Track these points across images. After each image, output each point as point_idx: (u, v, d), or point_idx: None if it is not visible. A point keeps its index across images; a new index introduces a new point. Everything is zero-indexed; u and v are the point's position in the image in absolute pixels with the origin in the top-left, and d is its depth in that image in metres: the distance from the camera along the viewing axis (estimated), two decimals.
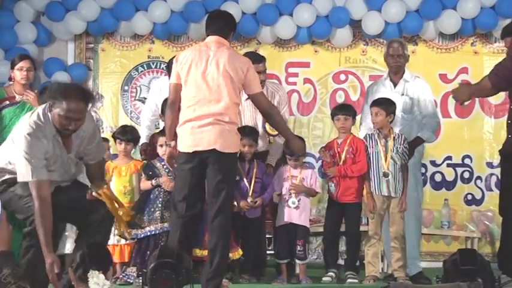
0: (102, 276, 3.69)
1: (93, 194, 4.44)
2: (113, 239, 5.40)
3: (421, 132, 5.80)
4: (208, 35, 4.88)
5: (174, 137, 4.81)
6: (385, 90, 5.90)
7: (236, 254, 5.35)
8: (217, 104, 4.66)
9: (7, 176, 4.34)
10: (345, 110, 5.75)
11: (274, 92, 5.83)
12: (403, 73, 5.90)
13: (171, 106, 4.82)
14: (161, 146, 5.44)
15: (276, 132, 5.71)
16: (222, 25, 4.86)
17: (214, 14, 5.08)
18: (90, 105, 4.37)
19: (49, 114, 4.27)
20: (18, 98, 5.83)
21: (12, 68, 5.87)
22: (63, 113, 4.20)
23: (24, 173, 4.17)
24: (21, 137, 4.19)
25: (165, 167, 5.46)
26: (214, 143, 4.62)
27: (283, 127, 4.96)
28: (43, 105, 4.36)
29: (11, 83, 5.93)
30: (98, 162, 4.64)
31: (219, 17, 4.97)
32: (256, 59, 5.64)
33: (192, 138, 4.67)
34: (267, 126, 5.68)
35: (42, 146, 4.21)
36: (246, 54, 5.79)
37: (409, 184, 5.71)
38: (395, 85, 5.89)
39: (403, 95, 5.83)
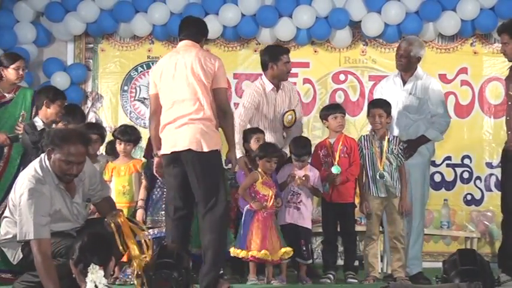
0: (101, 273, 3.67)
1: (112, 225, 4.34)
2: None
3: (428, 131, 5.75)
4: (180, 40, 4.99)
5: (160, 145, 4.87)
6: (395, 87, 5.86)
7: (285, 253, 5.34)
8: (190, 103, 4.73)
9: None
10: (340, 109, 5.77)
11: (291, 89, 6.01)
12: (414, 71, 5.83)
13: (152, 116, 4.94)
14: None
15: (290, 125, 5.82)
16: (194, 30, 4.98)
17: (186, 19, 5.15)
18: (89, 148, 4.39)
19: (47, 163, 4.25)
20: (8, 96, 5.76)
21: (5, 66, 5.72)
22: (64, 158, 4.19)
23: (25, 231, 4.09)
24: (22, 194, 4.12)
25: None
26: (189, 143, 4.69)
27: (230, 132, 4.88)
28: (38, 158, 4.33)
29: None
30: (105, 199, 4.65)
31: (192, 23, 5.06)
32: (284, 50, 5.92)
33: (170, 139, 4.76)
34: (284, 119, 5.82)
35: (45, 200, 4.16)
36: (271, 47, 6.05)
37: (417, 183, 5.73)
38: (404, 83, 5.85)
39: (411, 94, 5.79)
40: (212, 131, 4.75)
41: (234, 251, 5.25)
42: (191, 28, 4.99)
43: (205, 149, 4.69)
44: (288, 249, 5.31)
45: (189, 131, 4.70)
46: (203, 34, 5.04)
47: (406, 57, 5.79)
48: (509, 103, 5.44)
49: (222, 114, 4.79)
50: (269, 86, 5.80)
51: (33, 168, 4.25)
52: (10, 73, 5.72)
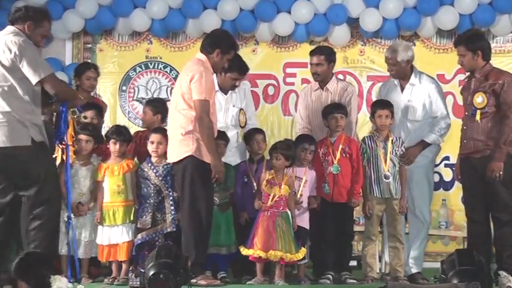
0: (64, 280, 3.75)
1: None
2: (107, 239, 5.42)
3: (427, 135, 5.72)
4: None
5: None
6: (395, 93, 5.82)
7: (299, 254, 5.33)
8: (172, 115, 5.23)
9: None
10: (340, 109, 5.68)
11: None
12: (410, 76, 5.78)
13: None
14: (152, 142, 5.47)
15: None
16: (205, 42, 5.32)
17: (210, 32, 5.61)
18: None
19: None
20: None
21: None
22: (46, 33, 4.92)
23: (41, 70, 4.62)
24: (21, 44, 4.65)
25: (154, 170, 5.45)
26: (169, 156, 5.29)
27: (206, 140, 5.08)
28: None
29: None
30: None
31: (209, 34, 5.48)
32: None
33: None
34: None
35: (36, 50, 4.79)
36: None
37: (419, 184, 5.72)
38: (402, 89, 5.81)
39: (409, 100, 5.74)
40: (177, 140, 5.12)
41: (242, 249, 5.30)
42: (204, 40, 5.36)
43: (173, 160, 5.20)
44: (279, 253, 5.23)
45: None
46: (214, 45, 5.21)
47: (394, 64, 5.75)
48: (466, 113, 5.41)
49: (198, 124, 5.07)
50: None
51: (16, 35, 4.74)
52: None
